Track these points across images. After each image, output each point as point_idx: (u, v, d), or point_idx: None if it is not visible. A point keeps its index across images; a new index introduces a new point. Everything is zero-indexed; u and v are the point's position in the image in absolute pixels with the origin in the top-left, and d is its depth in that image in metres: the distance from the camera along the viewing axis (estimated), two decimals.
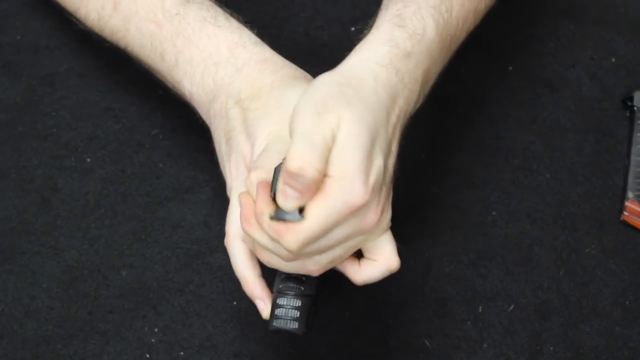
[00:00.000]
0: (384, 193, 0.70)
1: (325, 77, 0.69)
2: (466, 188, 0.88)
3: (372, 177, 0.67)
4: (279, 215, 0.66)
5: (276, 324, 0.72)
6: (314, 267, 0.70)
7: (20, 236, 0.85)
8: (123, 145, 0.89)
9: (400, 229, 0.85)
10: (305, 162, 0.64)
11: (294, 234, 0.66)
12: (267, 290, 0.74)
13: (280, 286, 0.73)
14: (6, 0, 0.96)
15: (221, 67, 0.78)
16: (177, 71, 0.80)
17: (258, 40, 0.80)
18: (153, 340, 0.81)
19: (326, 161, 0.66)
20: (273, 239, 0.68)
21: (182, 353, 0.81)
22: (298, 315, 0.72)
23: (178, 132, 0.90)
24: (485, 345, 0.82)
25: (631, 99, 0.92)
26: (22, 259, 0.84)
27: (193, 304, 0.83)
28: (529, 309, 0.84)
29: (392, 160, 0.72)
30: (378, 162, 0.68)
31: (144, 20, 0.81)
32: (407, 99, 0.72)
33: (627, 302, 0.84)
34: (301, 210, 0.66)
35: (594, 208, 0.88)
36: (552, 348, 0.82)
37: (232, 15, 0.81)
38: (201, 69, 0.79)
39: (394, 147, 0.72)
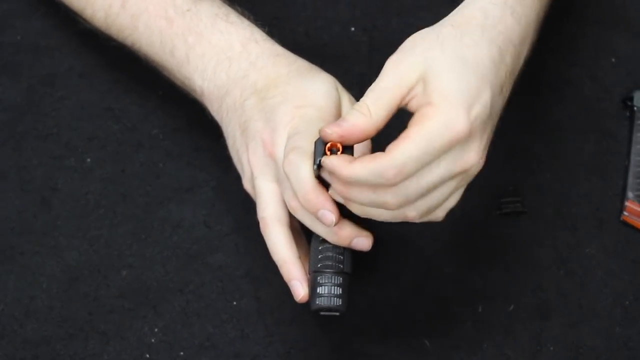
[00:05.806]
0: (487, 134, 0.69)
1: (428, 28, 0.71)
2: (466, 188, 0.88)
3: (476, 109, 0.67)
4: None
5: (319, 302, 0.71)
6: (413, 213, 0.69)
7: (20, 236, 0.85)
8: (123, 145, 0.89)
9: (401, 229, 0.85)
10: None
11: (394, 161, 0.66)
12: (305, 273, 0.74)
13: (319, 265, 0.72)
14: (6, 0, 0.96)
15: (234, 62, 0.79)
16: (187, 67, 0.81)
17: (268, 37, 0.81)
18: (153, 340, 0.81)
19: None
20: (374, 187, 0.67)
21: (182, 353, 0.81)
22: (341, 292, 0.71)
23: (178, 132, 0.90)
24: (485, 345, 0.82)
25: (631, 99, 0.92)
26: (22, 259, 0.84)
27: (193, 304, 0.83)
28: (529, 309, 0.84)
29: (500, 102, 0.71)
30: (485, 96, 0.67)
31: (154, 16, 0.82)
32: (522, 40, 0.73)
33: (627, 302, 0.84)
34: None
35: (594, 208, 0.88)
36: (552, 348, 0.82)
37: (242, 13, 0.82)
38: (213, 64, 0.79)
39: (505, 90, 0.71)
